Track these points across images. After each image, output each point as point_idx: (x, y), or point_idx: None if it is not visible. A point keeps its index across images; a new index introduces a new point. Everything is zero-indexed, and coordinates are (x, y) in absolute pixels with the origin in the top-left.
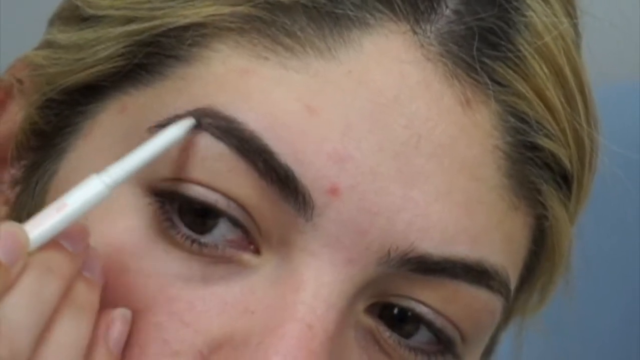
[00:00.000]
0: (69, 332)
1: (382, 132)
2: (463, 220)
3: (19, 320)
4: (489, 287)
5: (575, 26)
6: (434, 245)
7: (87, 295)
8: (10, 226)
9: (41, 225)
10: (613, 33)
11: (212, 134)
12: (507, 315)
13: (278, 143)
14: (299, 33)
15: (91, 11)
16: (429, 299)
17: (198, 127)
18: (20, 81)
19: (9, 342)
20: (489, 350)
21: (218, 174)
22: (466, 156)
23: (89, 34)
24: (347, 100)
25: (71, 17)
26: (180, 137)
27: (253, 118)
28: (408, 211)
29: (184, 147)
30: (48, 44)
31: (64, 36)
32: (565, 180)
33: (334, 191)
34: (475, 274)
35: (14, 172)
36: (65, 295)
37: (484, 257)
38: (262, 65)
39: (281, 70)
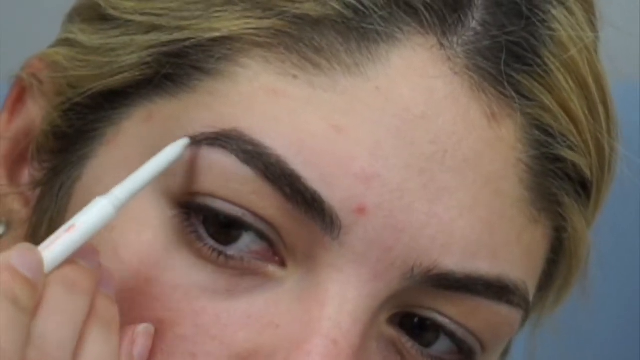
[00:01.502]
0: (101, 346)
1: (409, 149)
2: (485, 236)
3: (54, 336)
4: (509, 302)
5: (597, 36)
6: (455, 261)
7: (110, 310)
8: (27, 247)
9: (54, 247)
10: (613, 33)
11: (238, 157)
12: (524, 321)
13: (305, 167)
14: (326, 48)
15: (114, 12)
16: (450, 312)
17: (212, 144)
18: (39, 81)
19: (49, 359)
20: (504, 352)
21: (243, 195)
22: (490, 171)
23: (113, 38)
24: (374, 118)
25: (92, 15)
26: (180, 155)
27: (280, 143)
28: (432, 227)
29: (209, 165)
30: (69, 43)
31: (86, 37)
32: (584, 188)
33: (361, 211)
34: (496, 290)
35: (34, 172)
36: (91, 311)
37: (504, 273)
38: (290, 84)
39: (309, 89)
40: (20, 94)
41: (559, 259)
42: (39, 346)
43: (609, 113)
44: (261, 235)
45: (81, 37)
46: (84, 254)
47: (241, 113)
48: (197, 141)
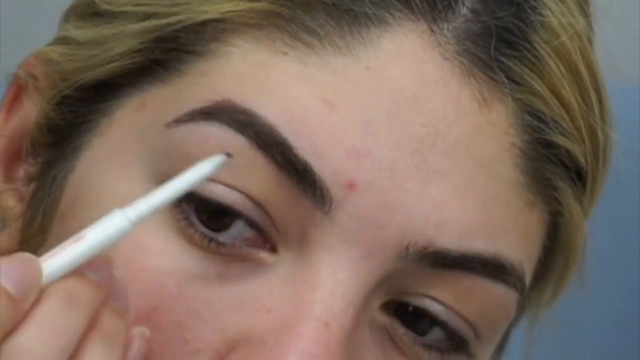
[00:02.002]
0: None
1: (400, 129)
2: (480, 215)
3: (39, 352)
4: (505, 282)
5: (589, 24)
6: (451, 240)
7: (115, 325)
8: (22, 258)
9: (59, 257)
10: (613, 33)
11: (231, 126)
12: (520, 311)
13: (296, 137)
14: (317, 30)
15: (108, 6)
16: (445, 294)
17: (205, 118)
18: (34, 77)
19: None
20: (500, 346)
21: (237, 168)
22: (483, 154)
23: (105, 29)
24: (365, 97)
25: (87, 12)
26: (210, 172)
27: (272, 112)
28: (425, 207)
29: (204, 139)
30: (63, 40)
31: (80, 32)
32: (579, 177)
33: (351, 186)
34: (492, 268)
35: (28, 168)
36: (92, 325)
37: (500, 252)
38: (281, 60)
39: (300, 66)
40: (17, 93)
41: (555, 247)
42: None
43: (601, 101)
44: (251, 223)
45: (75, 33)
46: (94, 266)
47: (233, 86)
48: (191, 117)
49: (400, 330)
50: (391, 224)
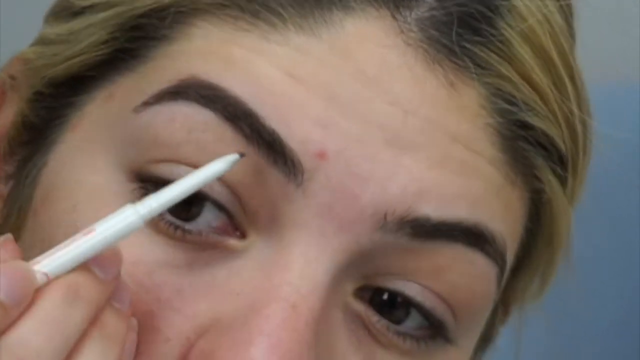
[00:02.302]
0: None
1: (366, 106)
2: (460, 186)
3: (39, 346)
4: (486, 252)
5: (566, 15)
6: (432, 208)
7: (116, 324)
8: (14, 264)
9: (66, 251)
10: (613, 33)
11: (197, 102)
12: (506, 303)
13: (263, 107)
14: (280, 10)
15: (81, 3)
16: (422, 270)
17: (172, 98)
18: (12, 77)
19: None
20: (486, 338)
21: (205, 145)
22: (458, 130)
23: (75, 24)
24: (328, 73)
25: (63, 12)
26: (222, 171)
27: (237, 84)
28: (401, 177)
29: (171, 119)
30: (40, 41)
31: (53, 30)
32: (561, 162)
33: (321, 155)
34: (473, 237)
35: (6, 167)
36: (94, 322)
37: (482, 221)
38: (244, 37)
39: (263, 42)
40: (0, 96)
41: (537, 229)
42: (17, 354)
43: (578, 90)
44: (220, 207)
45: (49, 32)
46: (103, 262)
47: (197, 62)
48: (157, 99)
49: (374, 318)
50: (366, 193)
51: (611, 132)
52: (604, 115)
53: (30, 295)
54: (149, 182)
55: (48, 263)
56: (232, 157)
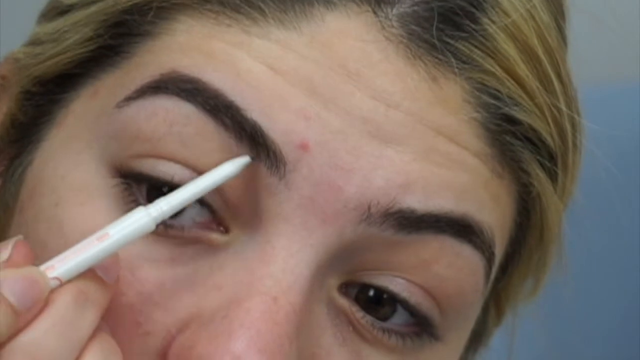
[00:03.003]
0: None
1: (348, 99)
2: (446, 178)
3: (52, 346)
4: (473, 244)
5: (554, 13)
6: (417, 199)
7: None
8: (27, 271)
9: (80, 254)
10: (613, 33)
11: (179, 96)
12: (499, 303)
13: (244, 99)
14: (260, 4)
15: (67, 1)
16: (408, 264)
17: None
18: (3, 77)
19: None
20: (478, 338)
21: (187, 139)
22: (442, 124)
23: (61, 23)
24: (309, 67)
25: (51, 11)
26: (233, 173)
27: (217, 77)
28: (385, 169)
29: (153, 113)
30: (30, 41)
31: (42, 29)
32: (550, 156)
33: (304, 146)
34: (460, 228)
35: None
36: (100, 325)
37: (469, 213)
38: (225, 31)
39: (243, 35)
40: None
41: (527, 224)
42: (31, 354)
43: (565, 88)
44: (202, 202)
45: (38, 32)
46: (107, 266)
47: (178, 57)
48: (139, 94)
49: (359, 314)
50: (349, 185)
51: (611, 132)
52: (603, 115)
53: (42, 301)
54: (131, 178)
55: (61, 266)
56: (242, 160)
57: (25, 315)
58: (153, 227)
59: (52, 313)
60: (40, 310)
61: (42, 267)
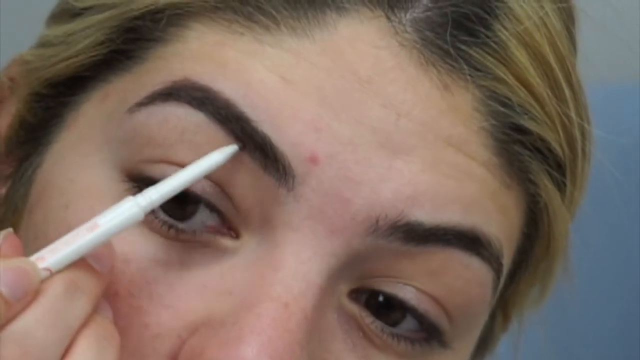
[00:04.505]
0: (93, 356)
1: (359, 108)
2: (454, 189)
3: (42, 335)
4: (481, 256)
5: (565, 20)
6: (425, 212)
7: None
8: (18, 261)
9: (70, 244)
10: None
11: (190, 104)
12: (506, 310)
13: (254, 111)
14: (273, 12)
15: (79, 4)
16: (417, 273)
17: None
18: (11, 79)
19: (33, 358)
20: (485, 345)
21: (197, 147)
22: (451, 134)
23: (73, 26)
24: (321, 76)
25: (61, 14)
26: (221, 162)
27: (229, 87)
28: (394, 181)
29: (164, 119)
30: (40, 43)
31: (52, 31)
32: (558, 167)
33: (313, 159)
34: (468, 241)
35: (5, 168)
36: (92, 316)
37: (477, 225)
38: (237, 40)
39: (255, 44)
40: (0, 99)
41: (535, 235)
42: (21, 343)
43: (576, 95)
44: (212, 207)
45: (48, 34)
46: (100, 255)
47: (190, 64)
48: (151, 100)
49: (369, 319)
50: (357, 197)
51: (611, 132)
52: (604, 115)
53: (33, 291)
54: (142, 182)
55: (51, 257)
56: (229, 149)
57: (16, 305)
58: (142, 216)
59: (42, 302)
60: (31, 301)
61: (33, 258)
